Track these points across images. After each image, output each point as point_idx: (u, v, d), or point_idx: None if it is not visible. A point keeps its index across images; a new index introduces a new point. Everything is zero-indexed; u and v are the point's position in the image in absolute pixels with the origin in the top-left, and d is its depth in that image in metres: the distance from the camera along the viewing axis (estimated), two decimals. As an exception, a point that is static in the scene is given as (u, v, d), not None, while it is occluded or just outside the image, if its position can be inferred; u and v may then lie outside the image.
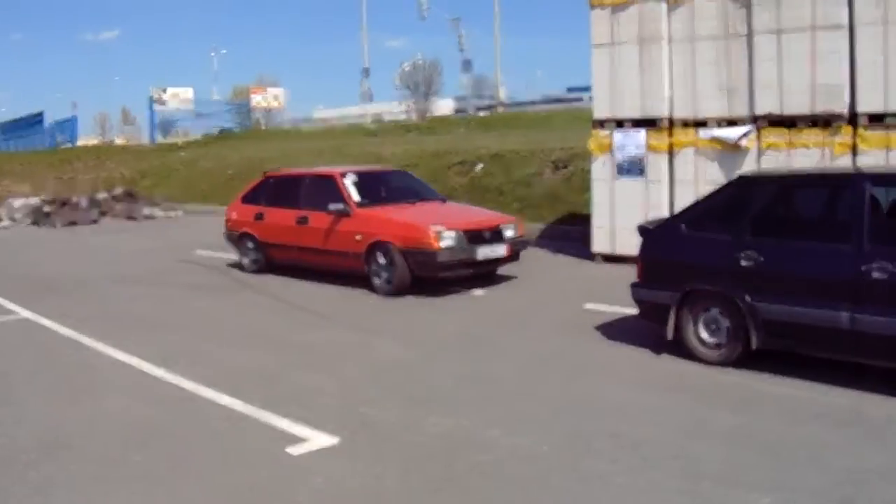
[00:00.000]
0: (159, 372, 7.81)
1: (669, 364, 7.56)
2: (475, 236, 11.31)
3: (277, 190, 13.61)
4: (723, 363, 7.31)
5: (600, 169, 13.53)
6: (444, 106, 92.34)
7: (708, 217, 7.79)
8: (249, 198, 13.98)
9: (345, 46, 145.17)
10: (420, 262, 11.06)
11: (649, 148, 12.90)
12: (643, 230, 8.22)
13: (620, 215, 12.82)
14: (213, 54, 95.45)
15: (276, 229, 13.06)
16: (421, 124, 44.63)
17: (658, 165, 12.87)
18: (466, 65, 56.59)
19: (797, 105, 11.56)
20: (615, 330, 8.85)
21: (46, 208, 26.58)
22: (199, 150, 35.39)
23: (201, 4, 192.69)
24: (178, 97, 59.67)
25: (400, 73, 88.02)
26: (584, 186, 17.25)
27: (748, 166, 11.88)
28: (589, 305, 10.14)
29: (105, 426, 6.37)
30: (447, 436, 5.86)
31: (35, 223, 25.42)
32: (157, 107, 49.43)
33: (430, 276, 11.21)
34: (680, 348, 7.63)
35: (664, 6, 12.61)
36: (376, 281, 11.49)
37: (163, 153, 36.46)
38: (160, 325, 10.03)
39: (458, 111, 76.83)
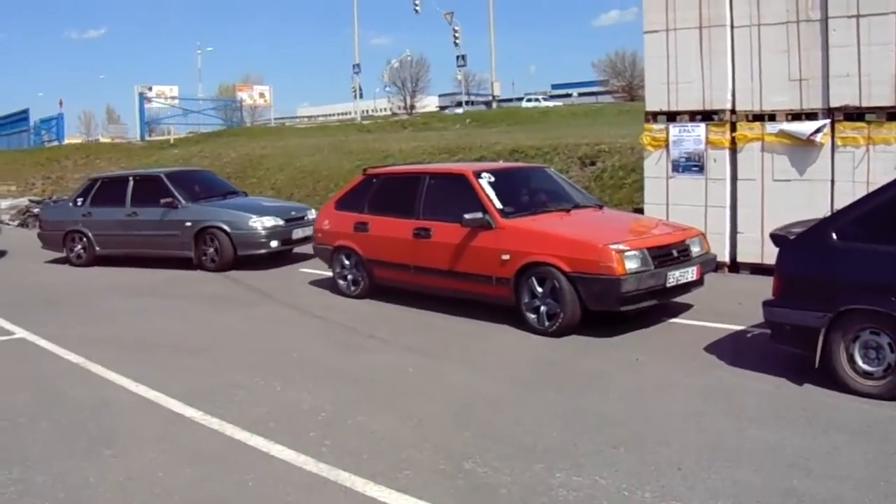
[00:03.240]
0: (193, 413, 6.49)
1: (816, 396, 6.37)
2: (662, 256, 8.70)
3: (385, 193, 10.96)
4: (885, 396, 6.17)
5: (654, 166, 12.42)
6: (428, 102, 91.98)
7: (866, 224, 6.51)
8: (346, 202, 11.41)
9: (327, 44, 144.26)
10: (596, 292, 8.38)
11: (709, 143, 11.80)
12: (780, 239, 7.02)
13: (677, 216, 11.60)
14: (198, 52, 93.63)
15: (385, 243, 10.50)
16: (415, 120, 43.61)
17: (719, 162, 11.77)
18: (461, 59, 55.21)
19: (878, 97, 10.47)
20: (729, 352, 7.67)
21: (35, 209, 25.37)
22: (192, 147, 34.15)
23: (187, 3, 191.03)
24: (164, 95, 58.39)
25: (388, 70, 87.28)
26: (617, 184, 16.38)
27: (821, 163, 10.91)
28: (677, 320, 9.01)
29: (140, 496, 5.00)
30: (589, 502, 4.67)
31: (23, 225, 24.22)
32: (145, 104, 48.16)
33: (607, 310, 8.63)
34: (825, 377, 6.47)
35: (726, -12, 11.52)
36: (531, 317, 8.82)
37: (154, 151, 35.24)
38: (181, 349, 8.69)
39: (442, 108, 76.05)
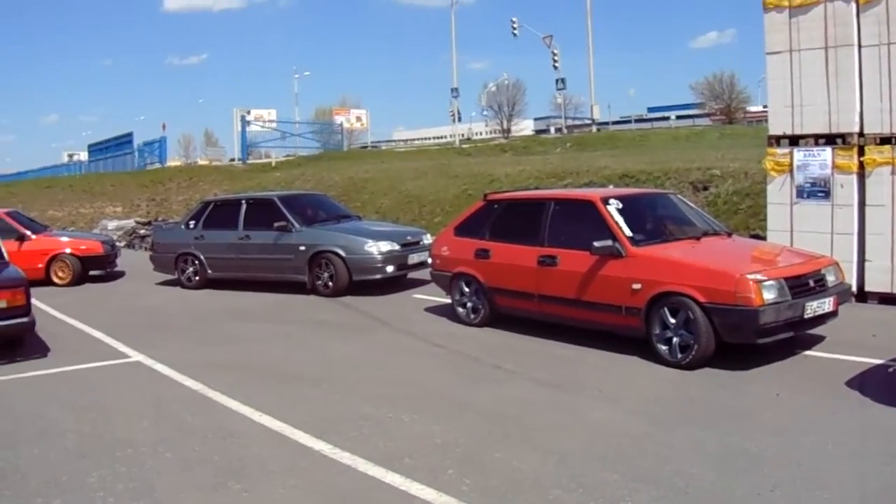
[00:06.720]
0: (322, 446, 6.31)
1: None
2: (799, 286, 8.31)
3: (507, 219, 10.73)
4: None
5: (777, 191, 12.07)
6: (524, 126, 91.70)
7: None
8: (466, 228, 11.19)
9: (424, 68, 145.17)
10: (733, 323, 8.03)
11: (836, 167, 11.41)
12: None
13: (802, 244, 11.18)
14: (295, 76, 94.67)
15: (508, 271, 10.25)
16: (515, 143, 43.45)
17: (846, 187, 11.36)
18: (561, 83, 54.88)
19: None
20: (872, 387, 7.25)
21: (142, 230, 25.94)
22: (293, 170, 34.47)
23: (284, 29, 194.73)
24: (262, 119, 59.35)
25: (485, 94, 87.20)
26: (732, 210, 15.99)
27: (958, 188, 10.42)
28: (811, 352, 8.67)
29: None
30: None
31: (129, 246, 24.81)
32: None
33: (743, 343, 8.29)
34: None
35: (854, 7, 11.13)
36: (663, 348, 8.53)
37: (255, 174, 35.64)
38: (300, 377, 8.60)
39: (538, 132, 75.69)
